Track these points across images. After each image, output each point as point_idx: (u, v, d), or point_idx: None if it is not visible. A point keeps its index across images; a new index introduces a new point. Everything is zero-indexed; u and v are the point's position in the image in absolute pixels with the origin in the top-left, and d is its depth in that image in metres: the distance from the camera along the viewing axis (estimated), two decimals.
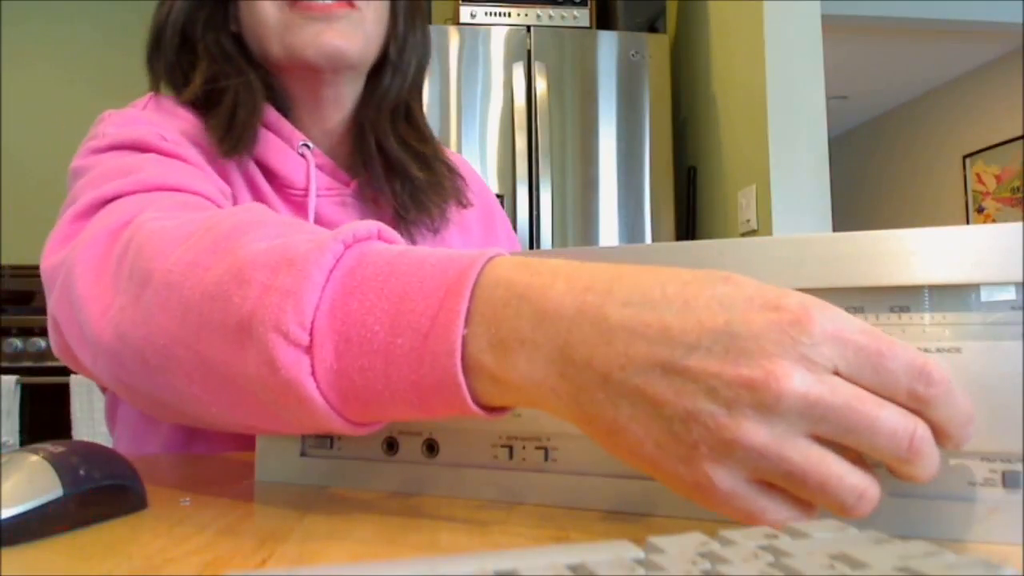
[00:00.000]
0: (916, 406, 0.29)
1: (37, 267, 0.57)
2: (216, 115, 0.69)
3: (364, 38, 0.72)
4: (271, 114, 0.72)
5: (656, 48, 2.36)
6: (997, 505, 0.32)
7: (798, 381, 0.28)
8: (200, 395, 0.40)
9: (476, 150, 2.25)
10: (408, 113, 0.81)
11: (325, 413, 0.36)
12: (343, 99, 0.76)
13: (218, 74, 0.70)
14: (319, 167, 0.74)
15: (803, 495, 0.29)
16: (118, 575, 0.29)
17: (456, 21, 2.32)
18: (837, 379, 0.28)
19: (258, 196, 0.71)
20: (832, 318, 0.29)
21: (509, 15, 2.33)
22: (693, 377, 0.29)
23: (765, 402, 0.28)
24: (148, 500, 0.40)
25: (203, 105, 0.70)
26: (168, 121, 0.68)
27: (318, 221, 0.72)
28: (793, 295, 0.30)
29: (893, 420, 0.28)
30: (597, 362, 0.31)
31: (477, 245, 0.86)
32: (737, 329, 0.29)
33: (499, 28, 2.29)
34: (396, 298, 0.35)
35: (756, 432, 0.28)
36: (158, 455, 0.65)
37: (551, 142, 2.25)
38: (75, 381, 2.10)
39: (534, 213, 2.22)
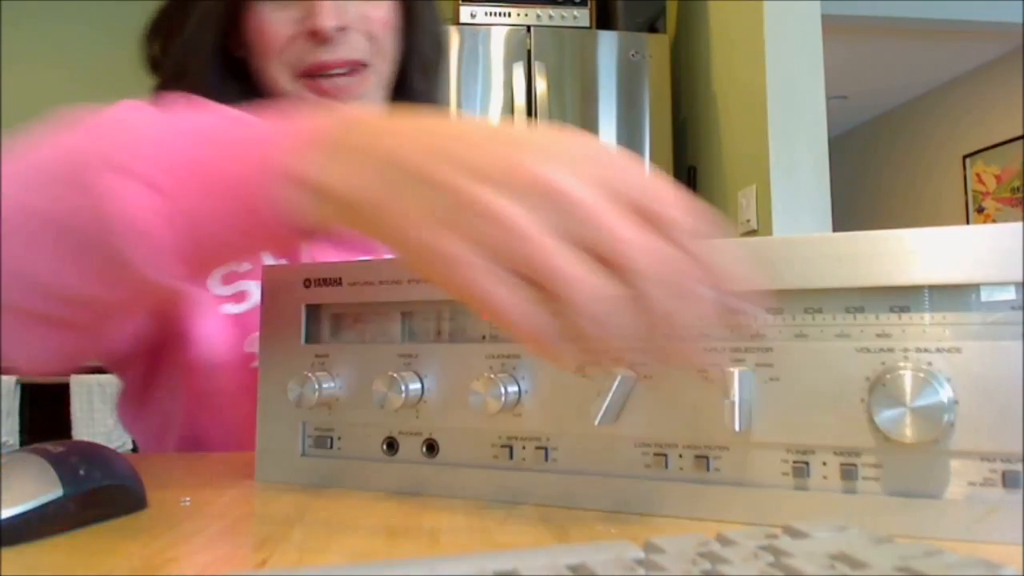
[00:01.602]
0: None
1: None
2: None
3: (378, 84, 0.73)
4: None
5: (656, 48, 2.36)
6: (997, 505, 0.32)
7: (556, 173, 0.31)
8: (30, 265, 0.40)
9: None
10: None
11: (147, 236, 0.37)
12: None
13: None
14: None
15: (540, 280, 0.30)
16: (118, 575, 0.29)
17: (456, 21, 2.32)
18: (593, 188, 0.31)
19: None
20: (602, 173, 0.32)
21: (509, 15, 2.32)
22: (463, 159, 0.33)
23: (520, 184, 0.31)
24: (148, 500, 0.40)
25: None
26: None
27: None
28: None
29: (637, 233, 0.31)
30: (423, 165, 0.34)
31: None
32: (520, 135, 0.34)
33: (499, 28, 2.29)
34: (231, 118, 0.39)
35: (508, 208, 0.31)
36: (158, 455, 0.65)
37: None
38: (75, 381, 2.10)
39: None
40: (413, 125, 0.36)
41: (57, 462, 0.36)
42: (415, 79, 0.77)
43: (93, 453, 0.38)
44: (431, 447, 0.44)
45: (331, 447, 0.47)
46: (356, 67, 0.70)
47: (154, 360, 0.67)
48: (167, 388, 0.67)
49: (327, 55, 0.68)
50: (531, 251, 0.30)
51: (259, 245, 0.38)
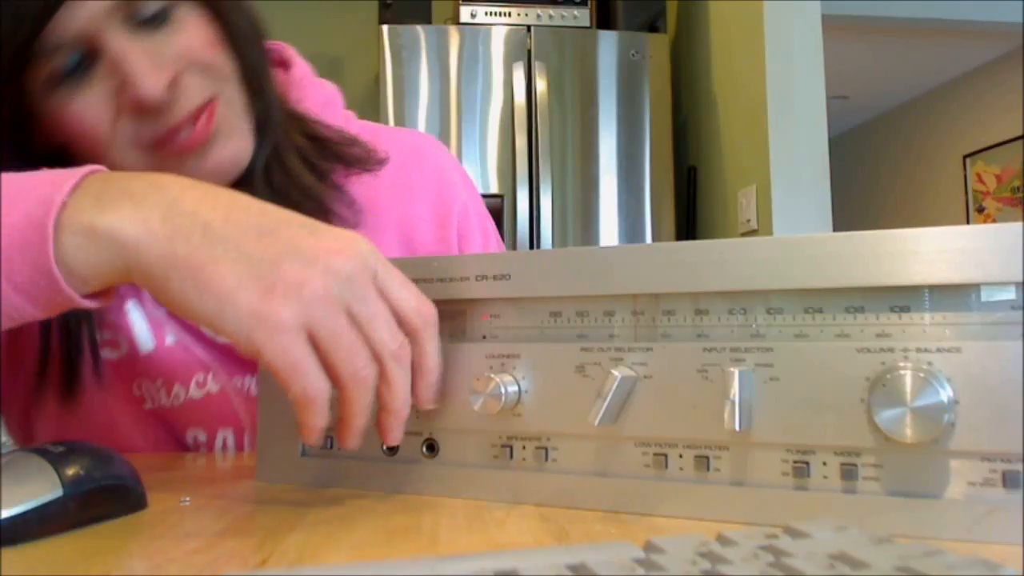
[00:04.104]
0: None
1: None
2: None
3: (229, 106, 0.59)
4: None
5: (656, 48, 2.36)
6: (997, 505, 0.32)
7: (371, 257, 0.38)
8: None
9: (476, 150, 2.24)
10: (280, 161, 0.65)
11: None
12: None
13: None
14: None
15: (334, 360, 0.37)
16: (118, 575, 0.29)
17: (456, 21, 2.32)
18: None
19: None
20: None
21: (509, 15, 2.32)
22: (283, 239, 0.38)
23: (337, 266, 0.37)
24: (148, 500, 0.40)
25: None
26: None
27: None
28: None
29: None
30: (202, 213, 0.38)
31: (429, 241, 0.73)
32: (322, 226, 0.40)
33: (499, 28, 2.29)
34: (11, 182, 0.39)
35: (324, 284, 0.36)
36: (158, 455, 0.65)
37: (551, 142, 2.25)
38: None
39: (534, 213, 2.22)
40: (223, 196, 0.40)
41: (57, 462, 0.36)
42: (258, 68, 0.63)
43: (93, 453, 0.38)
44: (431, 447, 0.44)
45: (331, 447, 0.47)
46: (203, 109, 0.57)
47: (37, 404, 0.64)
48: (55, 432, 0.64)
49: (168, 121, 0.56)
50: (336, 326, 0.37)
51: (39, 301, 0.39)
